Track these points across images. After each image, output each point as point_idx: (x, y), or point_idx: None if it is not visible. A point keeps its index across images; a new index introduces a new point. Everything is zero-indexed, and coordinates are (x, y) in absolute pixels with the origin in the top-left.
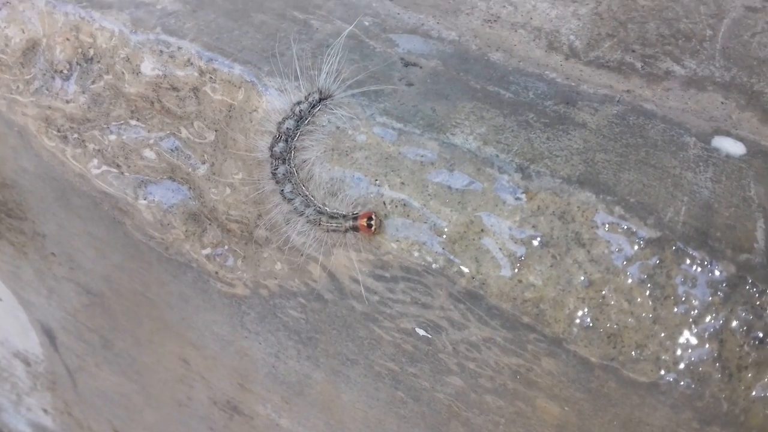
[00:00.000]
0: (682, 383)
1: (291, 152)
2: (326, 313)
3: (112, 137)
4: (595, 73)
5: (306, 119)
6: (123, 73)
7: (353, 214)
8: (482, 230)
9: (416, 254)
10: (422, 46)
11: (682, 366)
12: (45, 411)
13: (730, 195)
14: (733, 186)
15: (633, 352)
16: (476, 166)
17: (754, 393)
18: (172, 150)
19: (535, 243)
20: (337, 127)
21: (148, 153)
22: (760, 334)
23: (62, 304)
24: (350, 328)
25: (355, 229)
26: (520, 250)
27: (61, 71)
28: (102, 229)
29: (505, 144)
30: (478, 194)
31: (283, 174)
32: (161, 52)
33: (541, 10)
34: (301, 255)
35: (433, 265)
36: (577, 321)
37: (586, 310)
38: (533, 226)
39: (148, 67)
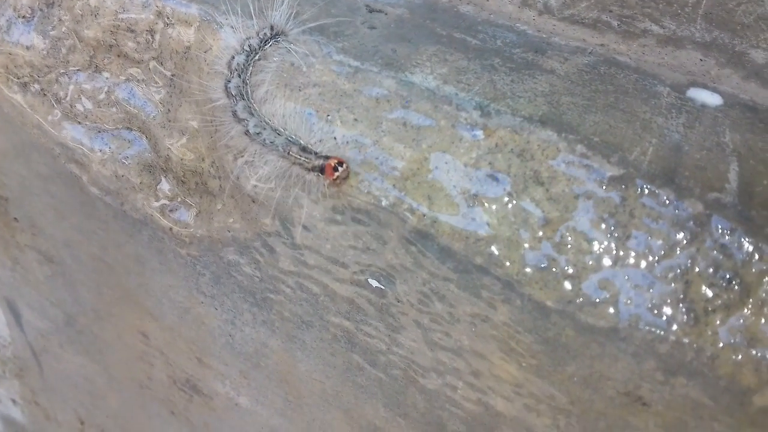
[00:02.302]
0: (642, 326)
1: (247, 87)
2: (279, 268)
3: (71, 86)
4: (569, 28)
5: (256, 53)
6: (82, 15)
7: (324, 155)
8: (436, 167)
9: (366, 191)
10: None
11: (643, 308)
12: (14, 401)
13: (702, 140)
14: (706, 132)
15: (591, 295)
16: (434, 103)
17: (721, 338)
18: (128, 97)
19: (491, 180)
20: (292, 64)
21: (106, 100)
22: (728, 275)
23: (26, 277)
24: (303, 284)
25: (321, 170)
26: (475, 188)
27: (24, 16)
28: (60, 186)
29: (466, 84)
30: (434, 131)
31: (243, 109)
32: None
33: None
34: (253, 201)
35: (383, 202)
36: (532, 262)
37: (541, 249)
38: (490, 164)
39: (107, 9)
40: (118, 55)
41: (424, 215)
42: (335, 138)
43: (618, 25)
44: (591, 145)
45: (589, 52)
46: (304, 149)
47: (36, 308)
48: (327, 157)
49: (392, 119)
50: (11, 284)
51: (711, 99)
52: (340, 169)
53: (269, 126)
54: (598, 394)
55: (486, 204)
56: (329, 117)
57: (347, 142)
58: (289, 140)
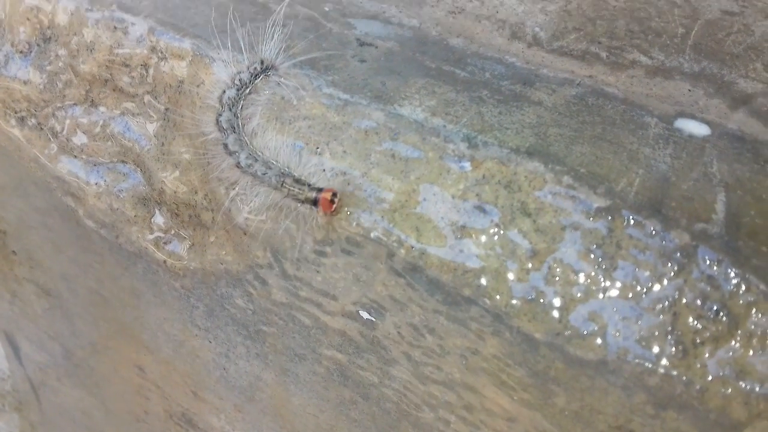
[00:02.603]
0: (631, 359)
1: (238, 121)
2: (271, 300)
3: (67, 120)
4: (558, 59)
5: (247, 88)
6: (78, 50)
7: (318, 186)
8: (424, 199)
9: (355, 223)
10: (381, 29)
11: (631, 340)
12: None
13: (689, 170)
14: (693, 162)
15: (579, 327)
16: (422, 135)
17: (710, 371)
18: (123, 130)
19: (479, 212)
20: (282, 98)
21: (101, 134)
22: (716, 307)
23: (25, 310)
24: (295, 316)
25: (314, 202)
26: (463, 219)
27: (22, 51)
28: (57, 219)
29: (454, 116)
30: (422, 163)
31: (234, 142)
32: (115, 28)
33: (508, 6)
34: (245, 233)
35: (372, 234)
36: (520, 293)
37: (529, 281)
38: (477, 195)
39: (102, 44)
40: (114, 90)
41: (413, 247)
42: (324, 170)
43: (606, 56)
44: (578, 176)
45: (578, 84)
46: (297, 181)
47: (34, 341)
48: (320, 189)
49: (381, 151)
50: (10, 317)
51: (699, 129)
52: (335, 201)
53: (260, 158)
54: (590, 428)
55: (474, 235)
56: (319, 149)
57: (336, 174)
58: (282, 172)
